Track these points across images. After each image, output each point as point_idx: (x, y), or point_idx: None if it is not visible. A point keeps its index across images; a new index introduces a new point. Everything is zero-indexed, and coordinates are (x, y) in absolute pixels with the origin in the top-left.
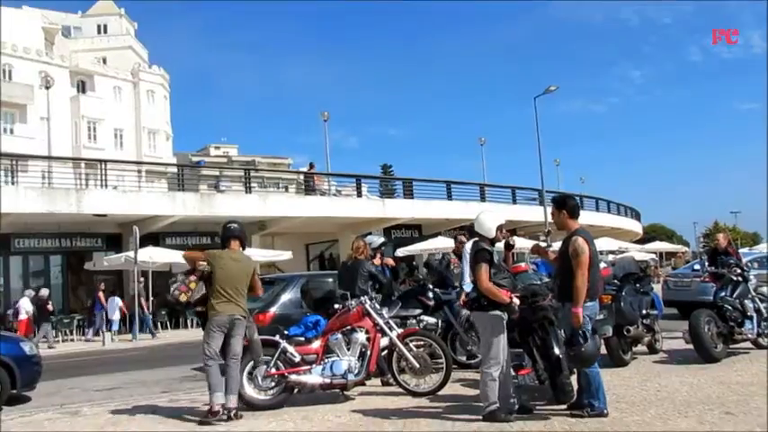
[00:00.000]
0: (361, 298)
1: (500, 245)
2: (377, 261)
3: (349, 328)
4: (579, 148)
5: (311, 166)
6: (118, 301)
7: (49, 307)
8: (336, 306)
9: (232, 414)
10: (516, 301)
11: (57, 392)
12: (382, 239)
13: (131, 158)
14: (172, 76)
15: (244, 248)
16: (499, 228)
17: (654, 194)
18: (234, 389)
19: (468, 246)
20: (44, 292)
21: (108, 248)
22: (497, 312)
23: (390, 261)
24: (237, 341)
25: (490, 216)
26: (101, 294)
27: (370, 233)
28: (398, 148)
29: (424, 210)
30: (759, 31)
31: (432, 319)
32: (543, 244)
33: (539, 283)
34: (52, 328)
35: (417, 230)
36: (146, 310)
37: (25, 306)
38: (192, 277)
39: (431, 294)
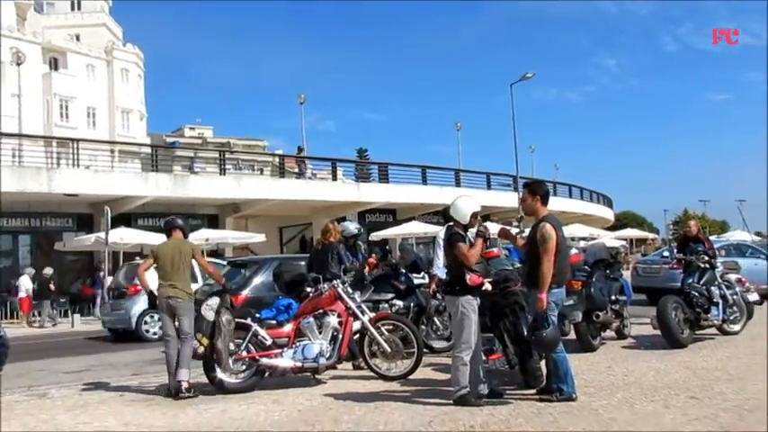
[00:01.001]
0: (334, 282)
1: (472, 231)
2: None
3: (321, 311)
4: (554, 136)
5: (300, 150)
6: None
7: (51, 286)
8: (308, 289)
9: (182, 388)
10: (488, 285)
11: (25, 374)
12: (356, 227)
13: (104, 138)
14: (146, 54)
15: (185, 237)
16: (474, 215)
17: (626, 182)
18: (185, 363)
19: (442, 232)
20: (47, 271)
21: (79, 229)
22: (469, 297)
23: (372, 261)
24: (183, 321)
25: (467, 202)
26: (102, 274)
27: (344, 218)
28: (375, 133)
29: (399, 194)
30: (734, 24)
31: (405, 303)
32: (515, 230)
33: (510, 268)
34: (51, 308)
35: (392, 215)
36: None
37: (25, 284)
38: (198, 335)
39: (403, 278)
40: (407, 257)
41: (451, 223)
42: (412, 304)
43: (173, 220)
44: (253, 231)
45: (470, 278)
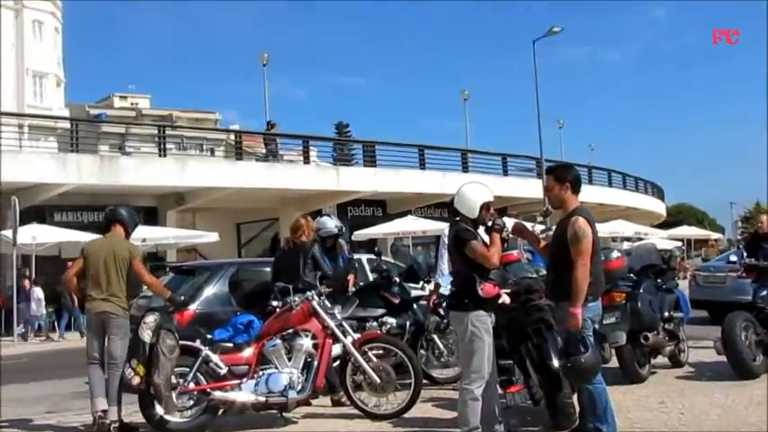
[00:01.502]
0: (308, 293)
1: (481, 230)
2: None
3: (291, 331)
4: (588, 108)
5: (270, 126)
6: (39, 292)
7: None
8: (275, 303)
9: (111, 428)
10: (506, 298)
11: None
12: (335, 225)
13: (10, 109)
14: (66, 5)
15: (127, 236)
16: (485, 206)
17: (682, 167)
18: (113, 398)
19: (448, 230)
20: None
21: None
22: (481, 313)
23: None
24: (114, 343)
25: (476, 190)
26: (26, 283)
27: (320, 211)
28: (358, 103)
29: (390, 181)
30: None
31: (399, 321)
32: (539, 227)
33: (534, 276)
34: None
35: (381, 208)
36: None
37: None
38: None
39: (397, 289)
40: (402, 263)
41: (457, 218)
42: (408, 322)
43: (115, 210)
44: (202, 229)
45: (483, 288)
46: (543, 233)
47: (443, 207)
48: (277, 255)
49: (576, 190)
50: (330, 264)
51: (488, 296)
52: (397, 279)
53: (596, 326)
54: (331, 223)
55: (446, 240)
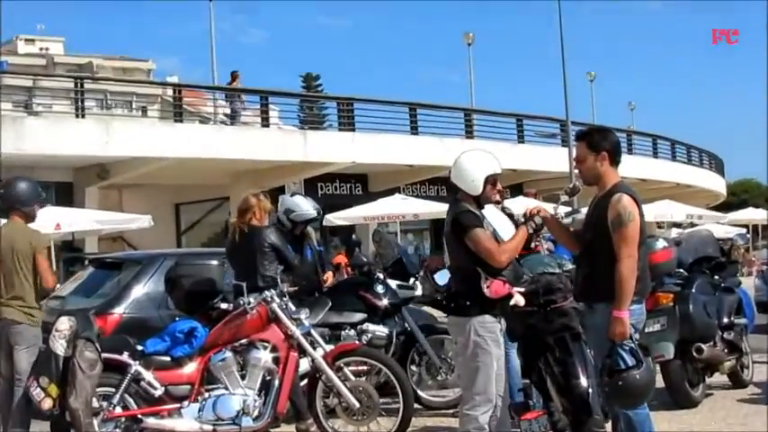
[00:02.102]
0: (266, 293)
1: (493, 210)
2: (339, 260)
3: (245, 342)
4: (626, 58)
5: (234, 77)
6: None
7: None
8: (224, 306)
9: None
10: (519, 299)
11: None
12: (314, 207)
13: None
14: None
15: (30, 220)
16: (491, 179)
17: (746, 135)
18: (17, 421)
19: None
20: None
21: None
22: (487, 318)
23: (341, 259)
24: (19, 355)
25: (476, 159)
26: None
27: (283, 189)
28: (332, 49)
29: (373, 150)
30: None
31: (382, 329)
32: (565, 209)
33: (557, 271)
34: None
35: (360, 184)
36: None
37: None
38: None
39: (381, 289)
40: (387, 254)
41: (457, 196)
42: (395, 331)
43: (8, 191)
44: (132, 211)
45: (489, 286)
46: (569, 217)
47: (441, 183)
48: (227, 245)
49: (615, 160)
50: (295, 255)
51: (497, 296)
52: (382, 276)
53: (637, 335)
54: (307, 204)
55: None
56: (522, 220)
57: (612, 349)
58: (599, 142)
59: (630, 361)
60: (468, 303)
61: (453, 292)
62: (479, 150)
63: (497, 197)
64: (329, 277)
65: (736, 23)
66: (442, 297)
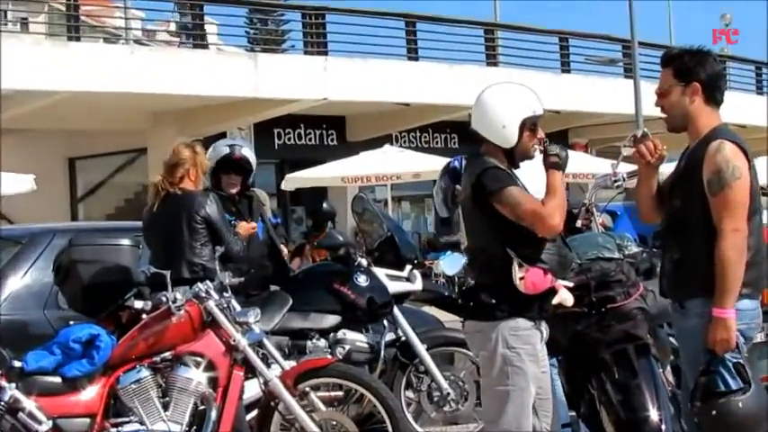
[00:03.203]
0: (199, 285)
1: (530, 165)
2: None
3: (168, 356)
4: None
5: None
6: None
7: None
8: (138, 305)
9: None
10: (568, 297)
11: None
12: (250, 154)
13: None
14: None
15: None
16: (529, 124)
17: None
18: None
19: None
20: None
21: None
22: (522, 323)
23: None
24: None
25: (508, 96)
26: None
27: (224, 134)
28: None
29: (353, 82)
30: None
31: (365, 339)
32: (625, 170)
33: (616, 257)
34: None
35: (335, 130)
36: None
37: None
38: None
39: (363, 280)
40: (373, 231)
41: (480, 149)
42: (383, 340)
43: None
44: (6, 170)
45: (525, 276)
46: (632, 179)
47: (452, 129)
48: (145, 217)
49: (713, 97)
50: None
51: (535, 292)
52: (365, 262)
53: (748, 345)
54: (245, 150)
55: (440, 193)
56: (538, 153)
57: (711, 364)
58: (692, 69)
59: (734, 383)
60: (494, 302)
61: (472, 285)
62: (511, 83)
63: (537, 149)
64: (297, 263)
65: None
66: (453, 293)
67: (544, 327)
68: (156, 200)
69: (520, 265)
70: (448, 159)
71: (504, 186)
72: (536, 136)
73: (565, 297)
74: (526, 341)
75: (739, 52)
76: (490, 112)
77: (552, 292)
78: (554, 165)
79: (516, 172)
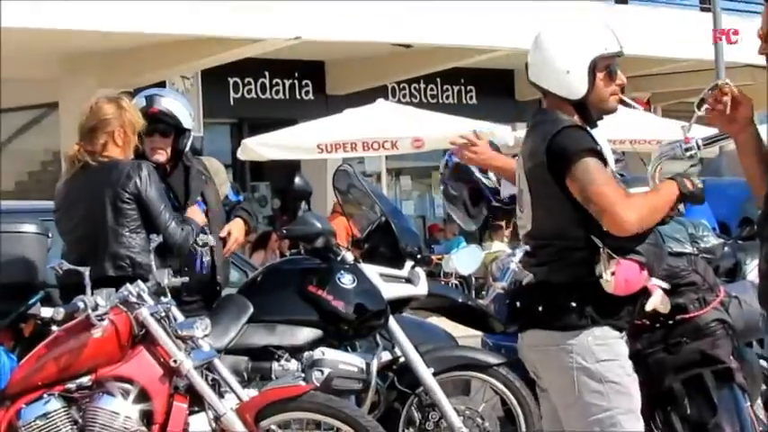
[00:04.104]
0: (127, 287)
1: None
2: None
3: (88, 380)
4: None
5: None
6: None
7: None
8: (46, 313)
9: None
10: (664, 302)
11: None
12: (188, 112)
13: None
14: None
15: None
16: (600, 65)
17: None
18: None
19: (505, 134)
20: None
21: None
22: (610, 333)
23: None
24: None
25: (569, 33)
26: None
27: (163, 84)
28: None
29: (335, 15)
30: None
31: (352, 360)
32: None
33: (688, 251)
34: None
35: (311, 80)
36: None
37: None
38: None
39: (349, 280)
40: (361, 216)
41: (541, 105)
42: (376, 362)
43: None
44: None
45: (617, 272)
46: (712, 143)
47: (467, 80)
48: (57, 197)
49: None
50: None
51: (627, 292)
52: (350, 256)
53: None
54: (167, 101)
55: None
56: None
57: None
58: None
59: None
60: (573, 305)
61: (537, 283)
62: (575, 19)
63: (616, 100)
64: (262, 256)
65: None
66: (469, 298)
67: (624, 337)
68: (71, 173)
69: (609, 258)
70: (463, 120)
71: (582, 154)
72: (614, 81)
73: (661, 302)
74: (618, 353)
75: None
76: (550, 54)
77: (644, 294)
78: (687, 195)
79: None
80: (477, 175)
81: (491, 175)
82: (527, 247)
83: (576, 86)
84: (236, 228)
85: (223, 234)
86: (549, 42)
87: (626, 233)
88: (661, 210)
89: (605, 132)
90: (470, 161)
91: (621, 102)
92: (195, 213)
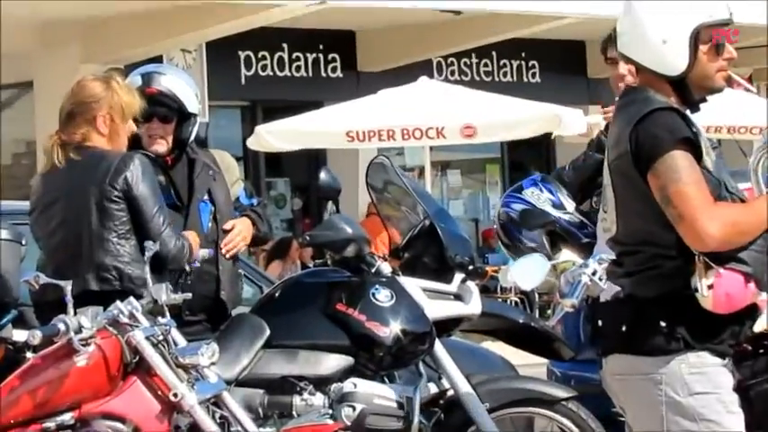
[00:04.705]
0: (117, 305)
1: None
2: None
3: (71, 418)
4: None
5: None
6: None
7: None
8: (19, 337)
9: None
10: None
11: None
12: (193, 91)
13: None
14: None
15: None
16: (704, 35)
17: None
18: None
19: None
20: None
21: None
22: (710, 359)
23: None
24: None
25: None
26: None
27: (159, 59)
28: None
29: None
30: None
31: (389, 392)
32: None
33: None
34: None
35: (339, 53)
36: None
37: None
38: None
39: (386, 297)
40: (400, 219)
41: (634, 86)
42: (418, 395)
43: None
44: None
45: (716, 285)
46: None
47: (529, 54)
48: (32, 192)
49: None
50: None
51: (730, 310)
52: (387, 267)
53: None
54: (167, 79)
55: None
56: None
57: None
58: None
59: None
60: (663, 324)
61: (622, 297)
62: None
63: (724, 77)
64: (238, 230)
65: None
66: (532, 318)
67: (729, 365)
68: (49, 168)
69: (707, 267)
70: (530, 107)
71: (672, 144)
72: (721, 55)
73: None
74: (717, 384)
75: None
76: (642, 21)
77: (751, 312)
78: None
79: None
80: (555, 214)
81: (567, 205)
82: (602, 256)
83: (673, 60)
84: (241, 223)
85: (227, 227)
86: (641, 6)
87: (704, 248)
88: (750, 233)
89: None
90: None
91: (729, 81)
92: (191, 236)
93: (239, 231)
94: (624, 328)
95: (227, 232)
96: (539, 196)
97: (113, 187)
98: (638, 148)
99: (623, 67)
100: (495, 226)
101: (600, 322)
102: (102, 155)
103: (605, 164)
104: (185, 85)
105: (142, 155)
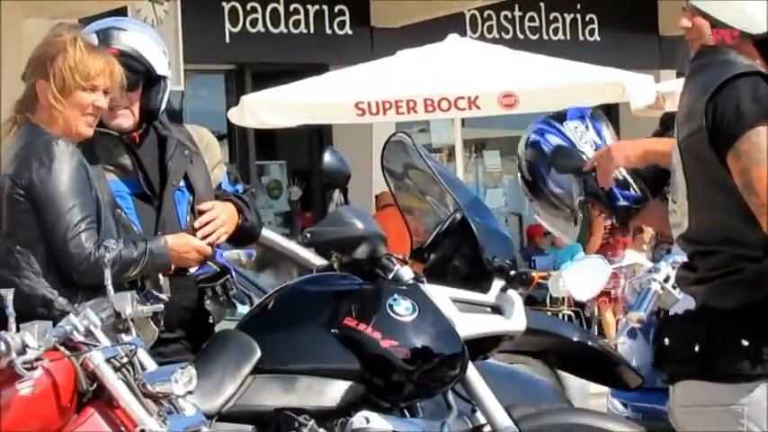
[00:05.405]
0: (71, 318)
1: None
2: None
3: None
4: None
5: None
6: None
7: None
8: None
9: None
10: None
11: None
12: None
13: None
14: None
15: None
16: None
17: None
18: None
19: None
20: None
21: None
22: None
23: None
24: None
25: None
26: None
27: (124, 13)
28: None
29: None
30: None
31: (403, 428)
32: None
33: None
34: None
35: (347, 9)
36: None
37: None
38: None
39: (406, 309)
40: (424, 211)
41: (711, 45)
42: (445, 429)
43: None
44: None
45: None
46: None
47: (585, 5)
48: None
49: None
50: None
51: None
52: (408, 272)
53: None
54: (130, 36)
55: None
56: None
57: None
58: None
59: None
60: (746, 344)
61: (695, 311)
62: None
63: None
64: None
65: None
66: (589, 336)
67: None
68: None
69: None
70: (588, 72)
71: (759, 119)
72: None
73: None
74: None
75: None
76: None
77: None
78: None
79: None
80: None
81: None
82: (677, 258)
83: (760, 15)
84: (223, 206)
85: (204, 207)
86: None
87: None
88: None
89: None
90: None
91: None
92: (184, 239)
93: (218, 214)
94: (696, 349)
95: (202, 213)
96: (582, 134)
97: (16, 184)
98: (717, 123)
99: (686, 21)
100: (519, 153)
101: (666, 341)
102: (23, 139)
103: (675, 143)
104: (152, 42)
105: (64, 141)
